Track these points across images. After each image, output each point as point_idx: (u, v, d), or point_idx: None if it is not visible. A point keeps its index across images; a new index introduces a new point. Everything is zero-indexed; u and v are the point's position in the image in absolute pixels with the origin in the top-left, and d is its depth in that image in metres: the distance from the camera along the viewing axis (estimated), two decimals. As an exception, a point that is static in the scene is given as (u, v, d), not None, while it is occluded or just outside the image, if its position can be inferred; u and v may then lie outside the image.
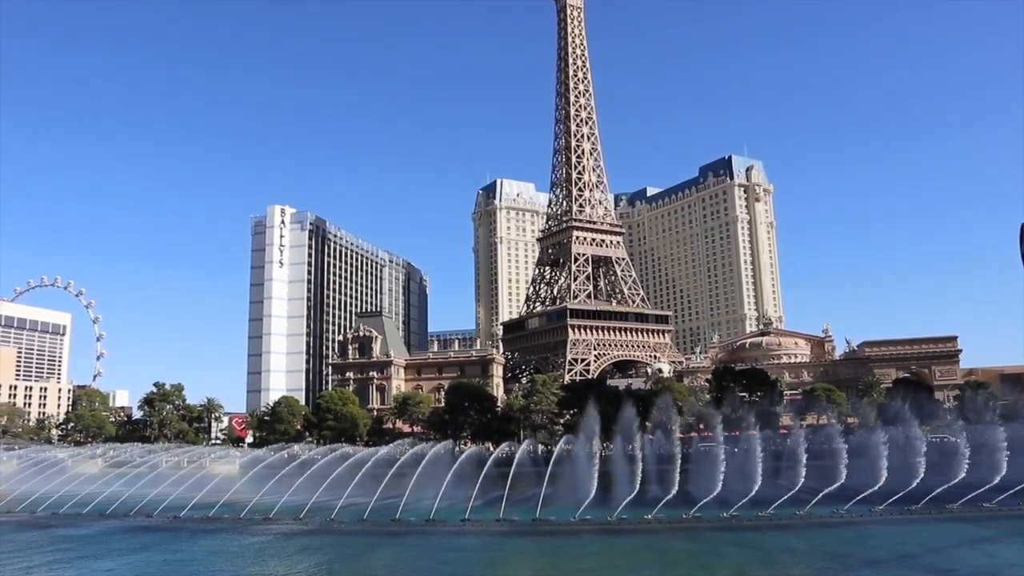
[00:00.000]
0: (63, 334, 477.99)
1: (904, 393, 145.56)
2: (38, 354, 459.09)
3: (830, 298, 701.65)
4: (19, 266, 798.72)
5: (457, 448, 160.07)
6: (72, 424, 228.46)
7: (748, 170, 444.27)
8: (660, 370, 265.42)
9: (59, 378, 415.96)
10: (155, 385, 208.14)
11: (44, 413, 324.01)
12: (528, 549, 77.38)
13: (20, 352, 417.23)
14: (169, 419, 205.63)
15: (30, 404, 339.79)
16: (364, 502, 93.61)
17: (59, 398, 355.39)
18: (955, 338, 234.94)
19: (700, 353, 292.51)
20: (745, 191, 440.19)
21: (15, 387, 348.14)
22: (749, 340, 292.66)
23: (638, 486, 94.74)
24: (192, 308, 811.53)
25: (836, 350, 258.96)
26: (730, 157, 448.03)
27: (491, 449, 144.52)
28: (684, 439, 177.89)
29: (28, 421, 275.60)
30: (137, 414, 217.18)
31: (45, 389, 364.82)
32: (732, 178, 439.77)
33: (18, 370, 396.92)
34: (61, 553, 75.92)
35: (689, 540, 77.10)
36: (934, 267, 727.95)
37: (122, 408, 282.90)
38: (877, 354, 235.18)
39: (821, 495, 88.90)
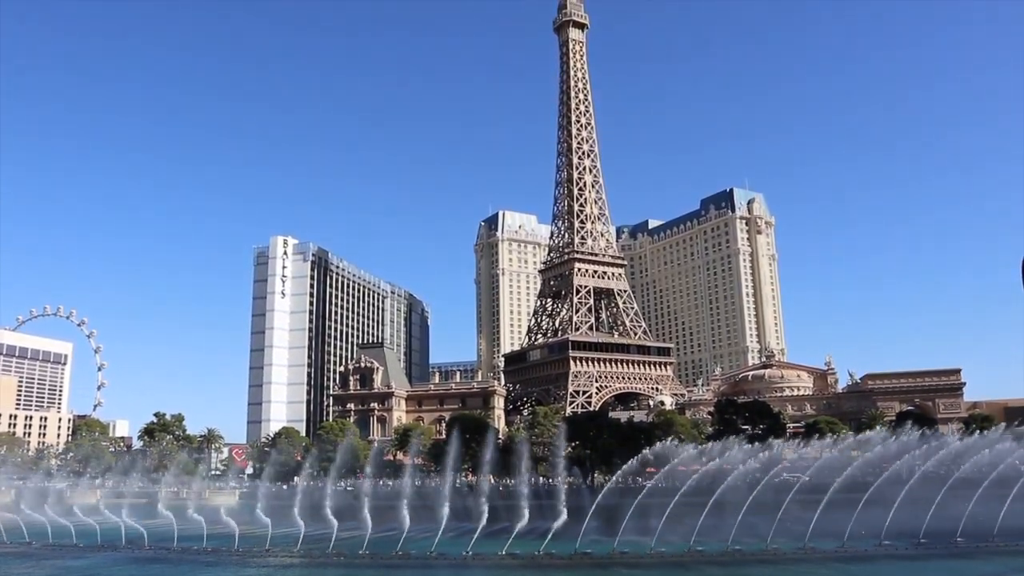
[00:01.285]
0: (64, 363, 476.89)
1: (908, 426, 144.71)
2: (39, 383, 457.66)
3: (833, 330, 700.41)
4: (21, 295, 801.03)
5: (459, 481, 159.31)
6: (72, 454, 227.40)
7: (750, 203, 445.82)
8: (662, 402, 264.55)
9: (59, 408, 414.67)
10: (155, 415, 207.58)
11: (44, 443, 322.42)
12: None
13: (21, 381, 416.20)
14: (169, 449, 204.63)
15: (30, 434, 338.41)
16: (361, 534, 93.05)
17: (59, 428, 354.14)
18: (959, 371, 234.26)
19: (702, 385, 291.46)
20: (747, 223, 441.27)
21: (15, 416, 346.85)
22: (751, 372, 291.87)
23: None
24: (193, 338, 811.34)
25: (839, 383, 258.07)
26: (731, 190, 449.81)
27: (492, 481, 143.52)
28: (686, 472, 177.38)
29: (28, 451, 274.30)
30: (137, 444, 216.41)
31: (45, 419, 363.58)
32: (734, 211, 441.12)
33: (19, 399, 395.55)
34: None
35: None
36: (938, 300, 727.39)
37: (122, 438, 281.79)
38: (880, 387, 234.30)
39: None
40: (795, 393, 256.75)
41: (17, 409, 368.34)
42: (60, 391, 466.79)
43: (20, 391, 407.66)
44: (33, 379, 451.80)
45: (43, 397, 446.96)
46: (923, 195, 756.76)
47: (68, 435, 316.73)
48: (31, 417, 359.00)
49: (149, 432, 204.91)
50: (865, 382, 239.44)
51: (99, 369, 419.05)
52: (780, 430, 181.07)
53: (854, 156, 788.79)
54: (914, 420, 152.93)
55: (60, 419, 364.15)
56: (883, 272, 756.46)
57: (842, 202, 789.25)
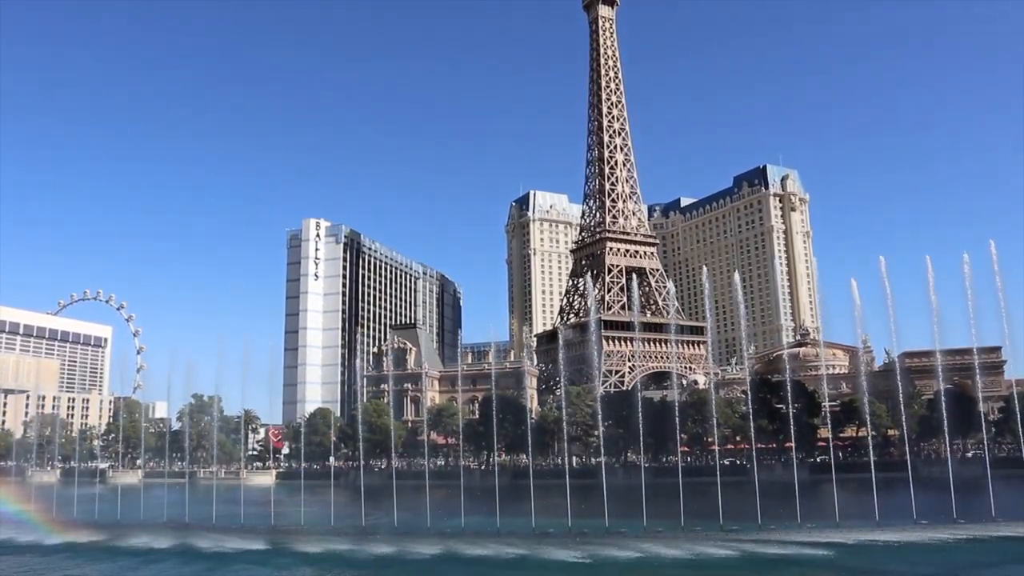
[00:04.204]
0: (104, 347, 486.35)
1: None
2: (80, 366, 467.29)
3: (869, 308, 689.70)
4: (62, 280, 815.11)
5: (492, 460, 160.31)
6: (113, 435, 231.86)
7: (783, 179, 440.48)
8: (696, 382, 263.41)
9: (100, 390, 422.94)
10: (193, 397, 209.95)
11: (86, 424, 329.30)
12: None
13: (63, 364, 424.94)
14: (207, 431, 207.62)
15: (72, 415, 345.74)
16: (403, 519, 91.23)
17: (100, 409, 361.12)
18: (999, 349, 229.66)
19: (736, 364, 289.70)
20: (780, 201, 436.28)
21: (58, 398, 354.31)
22: (786, 351, 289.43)
23: None
24: (228, 320, 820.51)
25: (875, 361, 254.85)
26: (765, 167, 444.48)
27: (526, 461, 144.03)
28: (722, 450, 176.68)
29: (71, 432, 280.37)
30: (176, 425, 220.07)
31: (87, 400, 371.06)
32: (767, 188, 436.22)
33: (61, 382, 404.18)
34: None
35: None
36: (976, 276, 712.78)
37: (161, 420, 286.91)
38: (917, 365, 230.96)
39: None
40: (830, 372, 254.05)
41: (60, 391, 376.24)
42: (100, 373, 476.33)
43: (63, 373, 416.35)
44: (75, 362, 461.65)
45: (84, 379, 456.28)
46: (962, 169, 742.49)
47: (109, 416, 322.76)
48: (74, 399, 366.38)
49: (187, 414, 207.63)
50: (902, 360, 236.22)
51: (138, 352, 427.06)
52: (815, 409, 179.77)
53: (889, 132, 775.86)
54: (952, 399, 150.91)
55: (101, 401, 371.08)
56: (921, 248, 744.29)
57: (878, 178, 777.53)
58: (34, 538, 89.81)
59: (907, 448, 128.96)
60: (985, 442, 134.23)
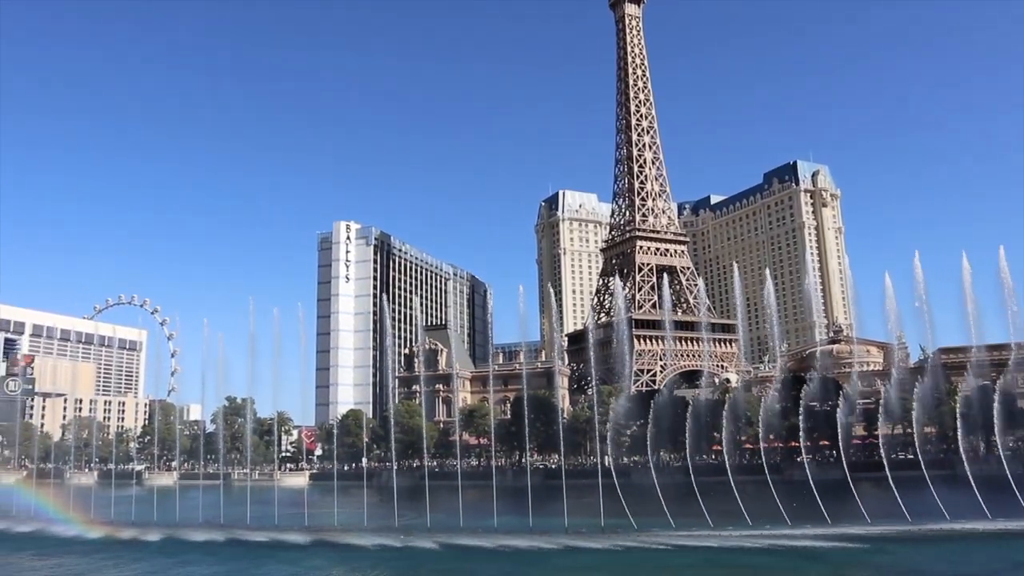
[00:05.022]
0: (138, 350, 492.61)
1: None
2: (116, 369, 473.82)
3: (902, 305, 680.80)
4: (97, 285, 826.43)
5: (524, 460, 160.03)
6: (149, 438, 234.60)
7: (814, 175, 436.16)
8: (728, 380, 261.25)
9: (136, 393, 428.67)
10: (227, 399, 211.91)
11: (122, 427, 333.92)
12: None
13: (99, 368, 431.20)
14: (240, 432, 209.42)
15: (109, 418, 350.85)
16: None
17: (136, 412, 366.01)
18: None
19: (768, 362, 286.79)
20: (811, 196, 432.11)
21: (95, 401, 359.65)
22: (819, 348, 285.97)
23: None
24: (260, 323, 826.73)
25: (910, 358, 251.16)
26: (795, 162, 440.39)
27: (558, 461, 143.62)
28: (753, 450, 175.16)
29: (108, 435, 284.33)
30: (210, 427, 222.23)
31: (123, 404, 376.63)
32: (798, 184, 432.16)
33: (97, 385, 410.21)
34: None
35: None
36: (1014, 271, 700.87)
37: (195, 422, 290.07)
38: (954, 361, 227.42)
39: None
40: (864, 369, 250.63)
41: (96, 394, 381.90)
42: (136, 377, 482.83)
43: (99, 377, 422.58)
44: (110, 365, 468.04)
45: (120, 383, 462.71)
46: (997, 167, 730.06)
47: (144, 419, 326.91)
48: (110, 402, 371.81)
49: (221, 416, 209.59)
50: (938, 356, 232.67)
51: (172, 356, 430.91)
52: (849, 406, 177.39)
53: (921, 127, 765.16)
54: (991, 395, 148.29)
55: (137, 404, 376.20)
56: (955, 243, 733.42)
57: (911, 173, 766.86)
58: (75, 534, 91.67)
59: (957, 445, 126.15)
60: None
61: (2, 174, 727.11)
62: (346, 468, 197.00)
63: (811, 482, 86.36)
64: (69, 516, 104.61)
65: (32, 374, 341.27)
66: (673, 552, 72.27)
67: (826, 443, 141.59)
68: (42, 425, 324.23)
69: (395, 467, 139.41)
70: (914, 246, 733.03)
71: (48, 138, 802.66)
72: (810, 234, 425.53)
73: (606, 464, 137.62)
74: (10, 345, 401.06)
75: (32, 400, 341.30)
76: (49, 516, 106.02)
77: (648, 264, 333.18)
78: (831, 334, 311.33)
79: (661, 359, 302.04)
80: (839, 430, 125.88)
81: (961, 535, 75.16)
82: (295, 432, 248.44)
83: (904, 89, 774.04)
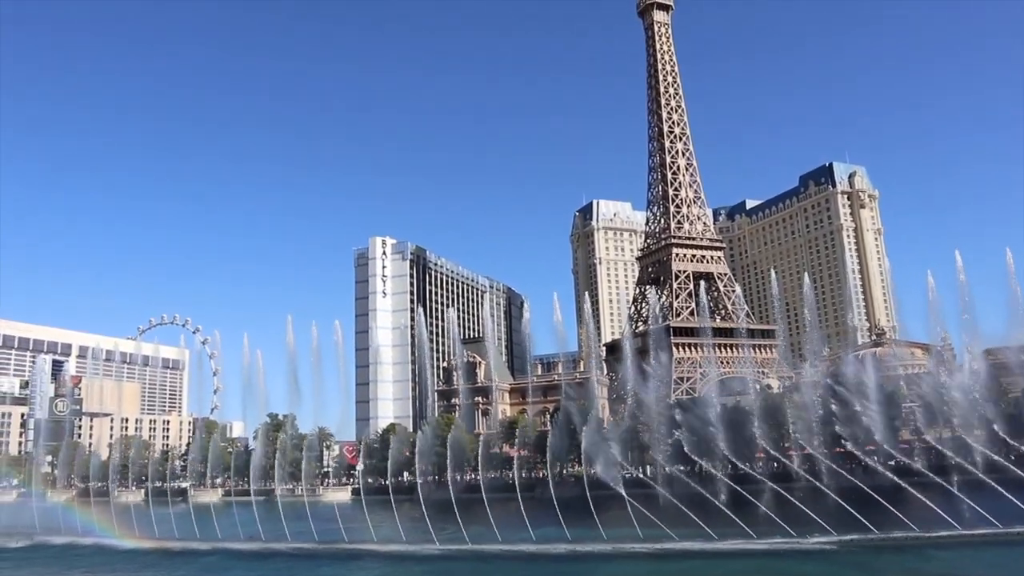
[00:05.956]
0: (181, 369, 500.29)
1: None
2: (160, 388, 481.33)
3: (946, 306, 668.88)
4: (141, 305, 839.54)
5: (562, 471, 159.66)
6: (193, 456, 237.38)
7: (851, 176, 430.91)
8: (768, 386, 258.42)
9: (179, 411, 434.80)
10: (269, 416, 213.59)
11: (167, 444, 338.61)
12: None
13: (143, 387, 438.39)
14: (282, 449, 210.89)
15: (154, 436, 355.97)
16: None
17: (180, 430, 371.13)
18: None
19: (809, 367, 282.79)
20: (849, 198, 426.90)
21: (140, 420, 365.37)
22: (861, 351, 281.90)
23: None
24: (299, 340, 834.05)
25: (956, 359, 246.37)
26: (831, 164, 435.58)
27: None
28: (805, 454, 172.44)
29: (153, 453, 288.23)
30: (252, 444, 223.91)
31: (168, 422, 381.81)
32: (834, 186, 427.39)
33: (142, 404, 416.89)
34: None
35: None
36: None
37: (237, 439, 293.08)
38: (1001, 362, 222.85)
39: None
40: (909, 371, 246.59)
41: (141, 413, 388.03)
42: (179, 395, 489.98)
43: (143, 396, 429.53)
44: (154, 384, 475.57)
45: (164, 401, 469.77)
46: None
47: (188, 437, 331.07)
48: (154, 421, 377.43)
49: (263, 432, 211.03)
50: (986, 357, 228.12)
51: (214, 374, 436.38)
52: (894, 410, 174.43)
53: (959, 126, 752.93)
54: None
55: (181, 422, 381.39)
56: (997, 242, 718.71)
57: (951, 174, 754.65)
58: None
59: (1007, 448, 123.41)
60: None
61: (50, 199, 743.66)
62: (388, 482, 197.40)
63: (863, 488, 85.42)
64: (114, 531, 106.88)
65: (80, 394, 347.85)
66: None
67: (871, 447, 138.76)
68: (90, 444, 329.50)
69: (436, 480, 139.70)
70: (954, 247, 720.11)
71: (94, 163, 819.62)
72: (848, 236, 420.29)
73: (647, 474, 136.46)
74: (58, 366, 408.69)
75: (80, 420, 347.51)
76: (96, 531, 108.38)
77: (684, 271, 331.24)
78: (873, 337, 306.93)
79: (700, 366, 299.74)
80: (884, 434, 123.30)
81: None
82: (336, 447, 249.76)
83: (942, 90, 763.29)
